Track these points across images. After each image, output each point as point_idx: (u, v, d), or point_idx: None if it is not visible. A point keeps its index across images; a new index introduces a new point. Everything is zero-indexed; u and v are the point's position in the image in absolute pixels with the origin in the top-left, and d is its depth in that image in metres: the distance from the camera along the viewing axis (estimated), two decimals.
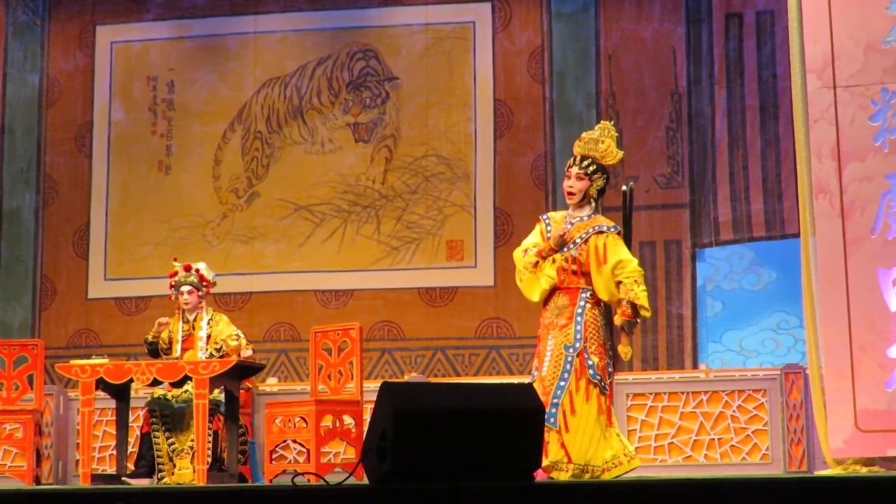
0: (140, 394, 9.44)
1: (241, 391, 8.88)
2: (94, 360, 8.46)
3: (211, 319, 9.11)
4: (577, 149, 7.14)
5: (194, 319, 9.08)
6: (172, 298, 9.20)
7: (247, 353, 8.89)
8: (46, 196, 11.66)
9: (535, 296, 7.03)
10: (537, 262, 6.99)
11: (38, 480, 9.18)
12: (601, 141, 7.09)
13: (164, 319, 9.02)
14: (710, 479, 5.48)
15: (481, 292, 11.01)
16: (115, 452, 9.19)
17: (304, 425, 8.50)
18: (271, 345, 11.14)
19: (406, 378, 10.28)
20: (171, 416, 8.83)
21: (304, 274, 11.28)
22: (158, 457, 8.72)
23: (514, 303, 10.44)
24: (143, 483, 8.58)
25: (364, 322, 9.71)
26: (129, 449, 9.00)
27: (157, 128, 11.67)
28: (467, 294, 11.05)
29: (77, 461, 9.55)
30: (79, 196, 11.61)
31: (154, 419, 8.83)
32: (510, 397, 5.24)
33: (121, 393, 8.75)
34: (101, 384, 8.49)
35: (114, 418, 9.17)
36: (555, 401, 6.75)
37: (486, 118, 11.22)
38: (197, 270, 9.13)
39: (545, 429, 6.31)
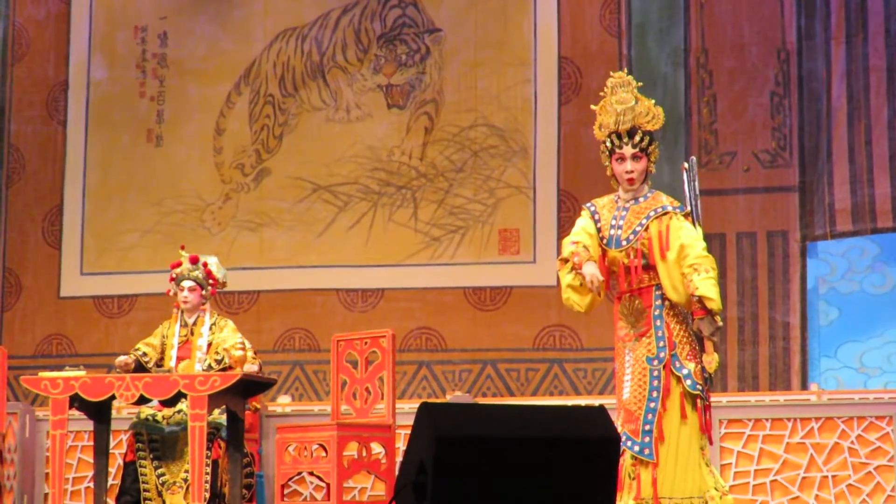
0: (123, 414, 9.54)
1: (247, 412, 8.90)
2: (68, 373, 8.45)
3: (214, 324, 9.08)
4: (611, 121, 6.86)
5: (193, 324, 9.07)
6: (171, 294, 9.16)
7: (253, 367, 8.87)
8: (11, 172, 11.73)
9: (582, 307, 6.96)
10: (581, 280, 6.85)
11: None
12: (638, 102, 6.92)
13: (121, 360, 8.85)
14: None
15: (541, 293, 10.98)
16: (92, 485, 9.19)
17: (324, 454, 8.53)
18: (283, 355, 11.18)
19: (448, 398, 10.32)
20: (160, 442, 8.83)
21: (324, 269, 11.32)
22: (145, 490, 8.72)
23: None
24: None
25: (397, 329, 9.72)
26: (110, 481, 9.02)
27: (147, 89, 11.75)
28: (524, 295, 11.06)
29: (46, 495, 9.60)
30: (50, 172, 11.74)
31: (140, 445, 8.83)
32: (577, 423, 5.21)
33: (100, 413, 8.77)
34: (77, 401, 8.49)
35: (91, 443, 9.21)
36: (647, 427, 6.65)
37: (549, 80, 11.22)
38: (205, 265, 9.08)
39: (635, 462, 6.32)
